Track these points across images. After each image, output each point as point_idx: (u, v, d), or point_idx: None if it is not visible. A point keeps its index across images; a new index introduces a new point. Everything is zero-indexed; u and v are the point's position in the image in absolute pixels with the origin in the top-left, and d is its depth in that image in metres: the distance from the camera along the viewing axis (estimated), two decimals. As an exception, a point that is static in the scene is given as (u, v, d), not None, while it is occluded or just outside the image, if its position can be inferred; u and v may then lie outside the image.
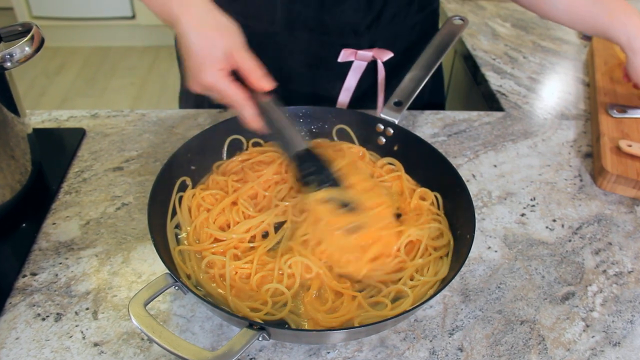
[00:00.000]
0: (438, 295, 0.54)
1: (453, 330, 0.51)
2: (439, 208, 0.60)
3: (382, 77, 0.78)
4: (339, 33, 0.74)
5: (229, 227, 0.57)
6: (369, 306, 0.51)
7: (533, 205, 0.67)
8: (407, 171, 0.65)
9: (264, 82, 0.55)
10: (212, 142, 0.64)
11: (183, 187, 0.60)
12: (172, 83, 2.47)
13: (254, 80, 0.55)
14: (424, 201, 0.61)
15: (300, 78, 0.78)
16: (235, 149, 0.66)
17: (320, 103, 0.70)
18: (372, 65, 0.78)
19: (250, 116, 0.56)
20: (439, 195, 0.61)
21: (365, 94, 0.81)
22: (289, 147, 0.59)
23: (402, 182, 0.63)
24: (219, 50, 0.53)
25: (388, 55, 0.76)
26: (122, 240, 0.59)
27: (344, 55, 0.75)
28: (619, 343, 0.51)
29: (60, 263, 0.56)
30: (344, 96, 0.80)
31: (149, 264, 0.56)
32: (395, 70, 0.79)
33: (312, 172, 0.58)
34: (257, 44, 0.79)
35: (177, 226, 0.57)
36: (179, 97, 0.92)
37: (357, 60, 0.76)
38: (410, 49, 0.80)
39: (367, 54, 0.75)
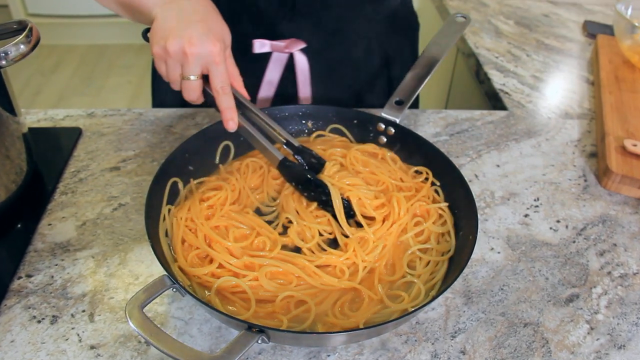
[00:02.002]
0: (440, 298, 0.53)
1: (455, 332, 0.51)
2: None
3: (302, 69, 0.76)
4: (254, 24, 0.72)
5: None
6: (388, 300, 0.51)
7: (537, 206, 0.66)
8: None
9: (244, 90, 0.53)
10: (210, 142, 0.63)
11: (176, 189, 0.59)
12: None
13: (238, 85, 0.53)
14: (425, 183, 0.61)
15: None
16: (230, 151, 0.65)
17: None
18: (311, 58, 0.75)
19: (232, 107, 0.52)
20: (440, 191, 0.60)
21: (287, 89, 0.78)
22: (272, 154, 0.58)
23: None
24: (218, 31, 0.51)
25: (300, 45, 0.74)
26: (119, 242, 0.58)
27: (258, 46, 0.74)
28: (624, 346, 0.51)
29: (56, 264, 0.55)
30: (266, 91, 0.77)
31: (146, 266, 0.56)
32: (322, 60, 0.77)
33: (302, 186, 0.58)
34: None
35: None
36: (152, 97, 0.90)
37: (272, 51, 0.74)
38: (340, 38, 0.76)
39: (280, 44, 0.74)
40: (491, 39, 1.02)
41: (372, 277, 0.52)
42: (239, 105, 0.58)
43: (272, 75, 0.76)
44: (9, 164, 0.59)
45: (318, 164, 0.60)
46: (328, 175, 0.58)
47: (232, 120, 0.55)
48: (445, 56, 0.70)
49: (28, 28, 0.55)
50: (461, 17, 0.75)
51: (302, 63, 0.76)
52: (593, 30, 1.03)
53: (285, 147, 0.61)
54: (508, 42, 1.01)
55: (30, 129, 0.66)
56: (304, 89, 0.78)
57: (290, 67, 0.77)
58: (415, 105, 0.93)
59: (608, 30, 1.01)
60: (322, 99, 0.79)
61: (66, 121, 0.75)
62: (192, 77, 0.53)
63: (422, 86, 0.67)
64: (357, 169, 0.61)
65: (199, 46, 0.51)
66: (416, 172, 0.63)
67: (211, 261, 0.52)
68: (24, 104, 2.32)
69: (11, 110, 0.59)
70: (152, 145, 0.71)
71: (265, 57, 0.76)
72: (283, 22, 0.72)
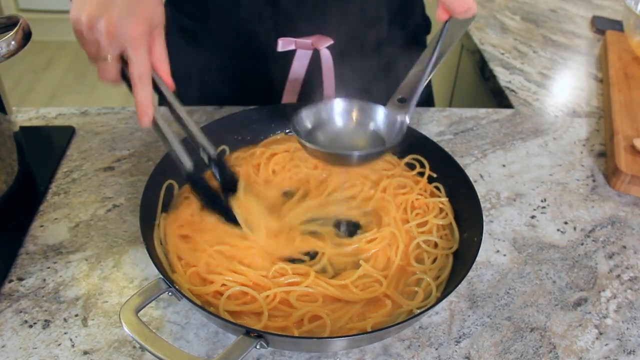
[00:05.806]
0: (444, 301, 0.52)
1: (460, 337, 0.50)
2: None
3: (327, 66, 0.75)
4: (274, 21, 0.71)
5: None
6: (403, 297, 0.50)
7: (544, 207, 0.65)
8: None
9: (170, 78, 0.48)
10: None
11: (171, 189, 0.58)
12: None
13: (163, 72, 0.47)
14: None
15: (242, 71, 0.76)
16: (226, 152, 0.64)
17: (269, 97, 0.66)
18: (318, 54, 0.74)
19: (148, 100, 0.46)
20: (441, 188, 0.60)
21: (313, 85, 0.77)
22: (181, 162, 0.51)
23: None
24: (145, 9, 0.45)
25: (327, 42, 0.73)
26: (113, 244, 0.57)
27: (283, 44, 0.73)
28: (633, 351, 0.50)
29: (49, 267, 0.55)
30: (292, 87, 0.77)
31: (141, 269, 0.55)
32: (345, 57, 0.75)
33: (208, 200, 0.53)
34: (191, 39, 0.75)
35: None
36: None
37: (297, 48, 0.73)
38: (361, 34, 0.75)
39: (306, 41, 0.73)
40: (497, 35, 1.01)
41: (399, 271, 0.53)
42: (162, 96, 0.50)
43: (297, 72, 0.75)
44: (0, 164, 0.58)
45: (232, 180, 0.54)
46: (239, 196, 0.53)
47: (145, 115, 0.48)
48: (449, 52, 0.69)
49: (19, 24, 0.54)
50: (466, 12, 0.73)
51: (327, 59, 0.75)
52: (602, 26, 1.02)
53: (202, 153, 0.54)
54: (514, 38, 1.00)
55: (22, 128, 0.66)
56: (329, 85, 0.77)
57: (313, 64, 0.76)
58: (430, 102, 0.91)
59: (617, 26, 1.00)
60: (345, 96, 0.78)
61: (59, 120, 0.74)
62: (108, 58, 0.46)
63: (425, 83, 0.65)
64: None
65: (118, 26, 0.44)
66: (410, 166, 0.62)
67: (212, 281, 0.49)
68: (15, 102, 2.29)
69: (2, 108, 0.58)
70: (147, 145, 0.70)
71: (289, 54, 0.75)
72: (305, 20, 0.71)
